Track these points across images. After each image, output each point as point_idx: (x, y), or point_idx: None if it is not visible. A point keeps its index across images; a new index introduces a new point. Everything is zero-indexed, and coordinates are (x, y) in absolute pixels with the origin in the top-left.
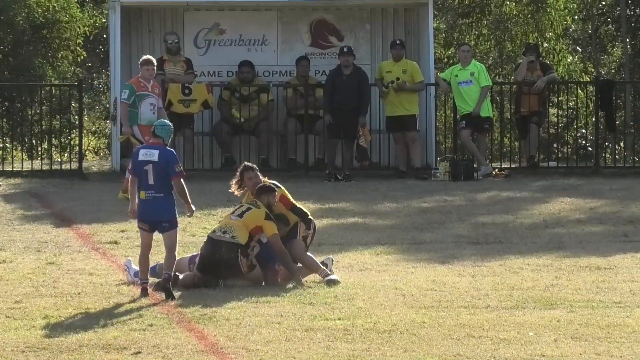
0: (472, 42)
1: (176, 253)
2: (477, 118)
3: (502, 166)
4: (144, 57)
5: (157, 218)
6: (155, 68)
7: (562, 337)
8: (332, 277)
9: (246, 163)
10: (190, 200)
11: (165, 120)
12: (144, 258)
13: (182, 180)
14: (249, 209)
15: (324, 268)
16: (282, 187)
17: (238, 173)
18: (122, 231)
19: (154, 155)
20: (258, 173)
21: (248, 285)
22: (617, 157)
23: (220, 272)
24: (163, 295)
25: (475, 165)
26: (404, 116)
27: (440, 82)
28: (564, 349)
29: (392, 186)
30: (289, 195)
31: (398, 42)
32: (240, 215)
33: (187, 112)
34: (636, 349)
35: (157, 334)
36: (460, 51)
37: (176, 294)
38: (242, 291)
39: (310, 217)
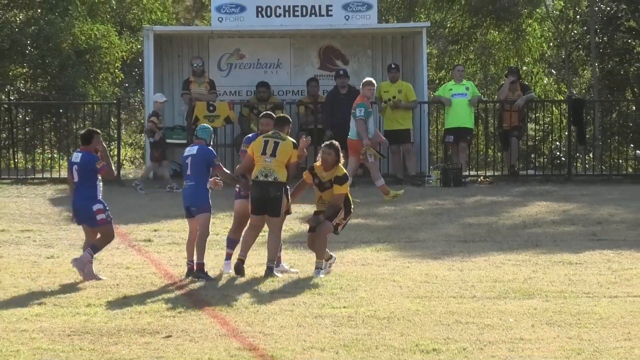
0: (462, 63)
1: (206, 240)
2: (461, 129)
3: (487, 174)
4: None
5: (189, 203)
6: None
7: (538, 323)
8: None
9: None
10: (235, 178)
11: (206, 125)
12: (188, 242)
13: (222, 168)
14: (276, 143)
15: (322, 260)
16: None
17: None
18: (155, 230)
19: (193, 150)
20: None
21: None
22: (587, 166)
23: (268, 210)
24: (195, 284)
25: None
26: (399, 130)
27: (442, 99)
28: (540, 333)
29: (391, 189)
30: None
31: (393, 66)
32: (274, 154)
33: (212, 126)
34: (602, 333)
35: (185, 320)
36: (456, 70)
37: (202, 283)
38: (258, 282)
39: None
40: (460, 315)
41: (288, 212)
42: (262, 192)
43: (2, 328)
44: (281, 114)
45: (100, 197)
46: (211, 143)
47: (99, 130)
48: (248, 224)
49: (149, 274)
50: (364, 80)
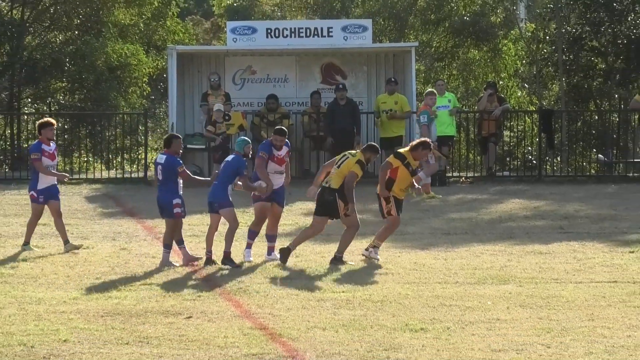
0: (445, 80)
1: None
2: (444, 136)
3: (467, 175)
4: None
5: (212, 200)
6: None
7: (513, 305)
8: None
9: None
10: (253, 187)
11: (244, 137)
12: (208, 234)
13: (244, 180)
14: (346, 158)
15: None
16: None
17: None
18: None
19: (229, 158)
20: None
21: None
22: (555, 168)
23: (327, 212)
24: (212, 271)
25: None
26: (393, 137)
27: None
28: (514, 314)
29: None
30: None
31: (393, 80)
32: (339, 166)
33: (227, 133)
34: (569, 314)
35: (204, 303)
36: (437, 85)
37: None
38: (268, 271)
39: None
40: (444, 299)
41: (346, 214)
42: (321, 195)
43: (43, 310)
44: (374, 144)
45: (180, 193)
46: (249, 152)
47: (179, 135)
48: (311, 223)
49: (172, 262)
50: (426, 91)
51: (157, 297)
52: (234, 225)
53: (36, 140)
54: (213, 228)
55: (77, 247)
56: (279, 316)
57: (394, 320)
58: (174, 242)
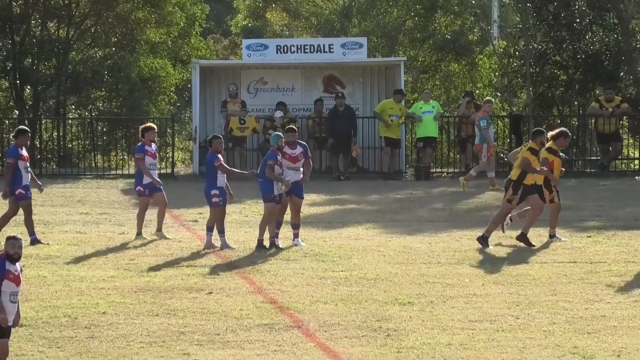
0: (430, 89)
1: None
2: (429, 138)
3: (449, 171)
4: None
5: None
6: None
7: (487, 282)
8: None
9: None
10: (276, 177)
11: (278, 133)
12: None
13: (269, 169)
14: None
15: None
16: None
17: None
18: (200, 213)
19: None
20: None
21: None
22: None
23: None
24: (230, 253)
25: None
26: (395, 139)
27: (414, 115)
28: (488, 290)
29: (376, 184)
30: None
31: (403, 90)
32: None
33: (242, 135)
34: (535, 290)
35: (222, 280)
36: (424, 93)
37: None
38: (277, 254)
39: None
40: (428, 277)
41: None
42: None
43: (85, 287)
44: (540, 128)
45: (218, 185)
46: (282, 144)
47: (220, 135)
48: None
49: (195, 246)
50: (485, 99)
51: (182, 276)
52: (264, 217)
53: (140, 143)
54: (274, 216)
55: (166, 238)
56: (287, 292)
57: (385, 295)
58: (215, 229)
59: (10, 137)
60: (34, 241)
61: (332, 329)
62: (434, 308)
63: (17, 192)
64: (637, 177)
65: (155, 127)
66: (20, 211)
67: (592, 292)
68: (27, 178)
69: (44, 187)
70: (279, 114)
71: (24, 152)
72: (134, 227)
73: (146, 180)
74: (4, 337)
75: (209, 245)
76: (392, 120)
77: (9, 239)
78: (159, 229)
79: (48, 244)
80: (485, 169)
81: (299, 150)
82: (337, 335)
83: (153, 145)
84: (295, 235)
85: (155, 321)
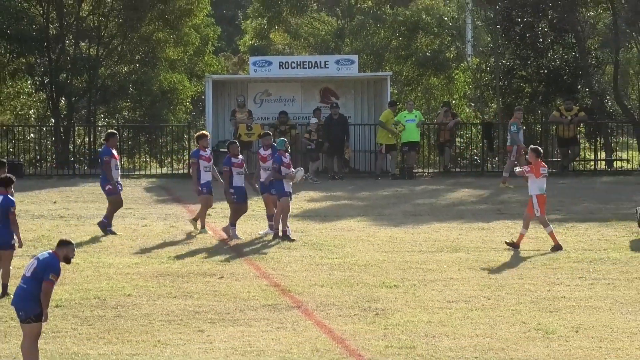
0: (412, 100)
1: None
2: (412, 142)
3: (429, 171)
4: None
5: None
6: None
7: (463, 268)
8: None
9: None
10: (279, 176)
11: (284, 138)
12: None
13: (274, 171)
14: None
15: None
16: None
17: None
18: (213, 208)
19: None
20: None
21: None
22: (494, 166)
23: None
24: (238, 243)
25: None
26: (394, 144)
27: (399, 124)
28: (464, 274)
29: (366, 182)
30: None
31: (412, 102)
32: None
33: (249, 140)
34: (504, 274)
35: (232, 266)
36: (408, 104)
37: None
38: (279, 244)
39: None
40: (411, 263)
41: None
42: None
43: (113, 272)
44: None
45: (236, 185)
46: (288, 147)
47: (235, 141)
48: None
49: (208, 236)
50: (516, 107)
51: (197, 262)
52: (283, 211)
53: (195, 148)
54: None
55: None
56: (288, 276)
57: (374, 279)
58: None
59: (48, 142)
60: (107, 227)
61: (327, 308)
62: (416, 290)
63: (107, 188)
64: (516, 169)
65: (208, 134)
66: (102, 201)
67: (554, 276)
68: (117, 175)
69: (78, 186)
70: (313, 120)
71: (115, 152)
72: (155, 220)
73: (203, 180)
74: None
75: (234, 236)
76: (402, 127)
77: (68, 244)
78: (203, 227)
79: (117, 234)
80: (510, 167)
81: (270, 151)
82: (332, 314)
83: (207, 150)
84: (270, 227)
85: (173, 302)
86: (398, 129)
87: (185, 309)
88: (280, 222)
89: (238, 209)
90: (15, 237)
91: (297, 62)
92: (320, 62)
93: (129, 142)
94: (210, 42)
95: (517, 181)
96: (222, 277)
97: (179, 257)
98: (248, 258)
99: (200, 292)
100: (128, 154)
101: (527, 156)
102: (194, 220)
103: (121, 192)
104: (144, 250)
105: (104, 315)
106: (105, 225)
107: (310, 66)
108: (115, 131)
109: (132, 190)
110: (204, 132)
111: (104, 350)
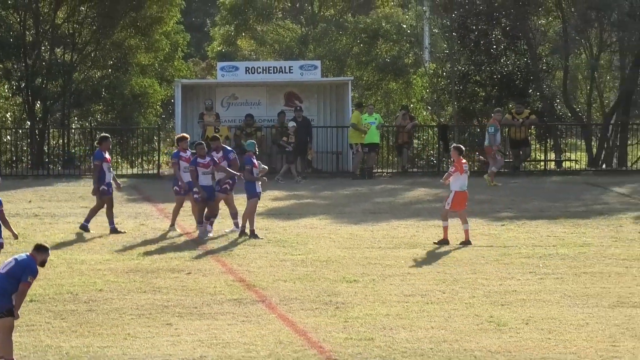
0: (373, 103)
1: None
2: (372, 144)
3: (388, 171)
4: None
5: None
6: None
7: (419, 263)
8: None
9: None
10: (253, 178)
11: (252, 140)
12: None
13: (246, 172)
14: None
15: None
16: None
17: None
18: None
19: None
20: None
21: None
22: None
23: None
24: (206, 240)
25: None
26: (377, 143)
27: (352, 124)
28: (420, 269)
29: (329, 182)
30: None
31: (372, 105)
32: None
33: None
34: (458, 269)
35: (199, 263)
36: (368, 107)
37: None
38: (245, 241)
39: None
40: (371, 259)
41: None
42: None
43: (85, 268)
44: None
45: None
46: (256, 150)
47: (202, 142)
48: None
49: (177, 234)
50: (495, 109)
51: (165, 259)
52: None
53: (175, 150)
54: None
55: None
56: (253, 272)
57: (335, 275)
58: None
59: (24, 144)
60: (113, 230)
61: (290, 302)
62: (375, 285)
63: (100, 189)
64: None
65: (188, 136)
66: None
67: (506, 271)
68: (109, 177)
69: (52, 185)
70: (291, 124)
71: (107, 155)
72: (126, 218)
73: (184, 179)
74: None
75: (203, 233)
76: (368, 126)
77: (46, 250)
78: (172, 224)
79: (124, 232)
80: (495, 165)
81: (219, 154)
82: (294, 308)
83: (188, 151)
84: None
85: (143, 297)
86: (365, 127)
87: (154, 304)
88: (248, 221)
89: (202, 207)
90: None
91: (262, 67)
92: (284, 67)
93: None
94: (179, 48)
95: (499, 179)
96: (189, 273)
97: (148, 253)
98: (214, 254)
99: (168, 287)
100: None
101: (482, 155)
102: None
103: (112, 193)
104: (115, 248)
105: (77, 310)
106: (115, 229)
107: (275, 71)
108: (107, 135)
109: None
110: (184, 134)
111: (76, 343)
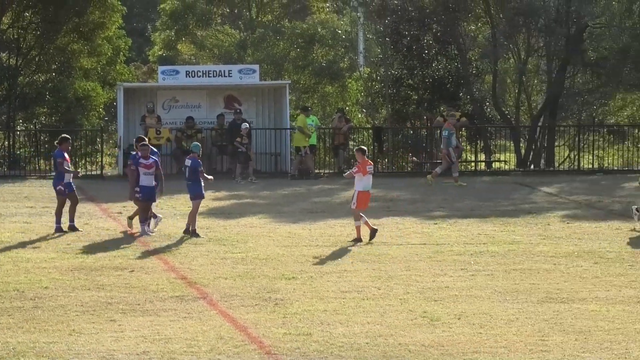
0: (310, 106)
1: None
2: (310, 145)
3: (325, 172)
4: None
5: (189, 193)
6: None
7: (356, 260)
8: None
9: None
10: (207, 178)
11: (197, 143)
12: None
13: (202, 173)
14: None
15: None
16: None
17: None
18: (124, 206)
19: (189, 162)
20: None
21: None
22: (384, 166)
23: None
24: (148, 239)
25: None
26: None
27: (298, 128)
28: (357, 266)
29: (267, 182)
30: None
31: (310, 108)
32: None
33: (158, 144)
34: (393, 266)
35: (142, 261)
36: (307, 110)
37: (153, 238)
38: (187, 240)
39: None
40: (309, 257)
41: None
42: None
43: (31, 266)
44: None
45: (142, 184)
46: (200, 153)
47: (147, 144)
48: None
49: (120, 233)
50: (450, 113)
51: (109, 257)
52: (195, 212)
53: (134, 153)
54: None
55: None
56: (195, 270)
57: (274, 272)
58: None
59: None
60: (72, 227)
61: (231, 299)
62: (312, 282)
63: (57, 188)
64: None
65: (147, 139)
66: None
67: (438, 268)
68: (68, 177)
69: None
70: (244, 125)
71: (66, 155)
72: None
73: (67, 179)
74: None
75: (143, 232)
76: (313, 130)
77: None
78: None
79: (80, 230)
80: (456, 168)
81: (151, 160)
82: (235, 305)
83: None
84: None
85: (87, 294)
86: (309, 131)
87: (98, 301)
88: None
89: (145, 206)
90: None
91: (202, 71)
92: (224, 71)
93: (46, 146)
94: (121, 53)
95: (463, 178)
96: (132, 271)
97: (92, 252)
98: (157, 253)
99: (112, 284)
100: (45, 156)
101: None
102: (130, 219)
103: (67, 194)
104: (60, 246)
105: (23, 306)
106: (74, 227)
107: (215, 75)
108: (68, 136)
109: (48, 190)
110: (141, 136)
111: (23, 339)
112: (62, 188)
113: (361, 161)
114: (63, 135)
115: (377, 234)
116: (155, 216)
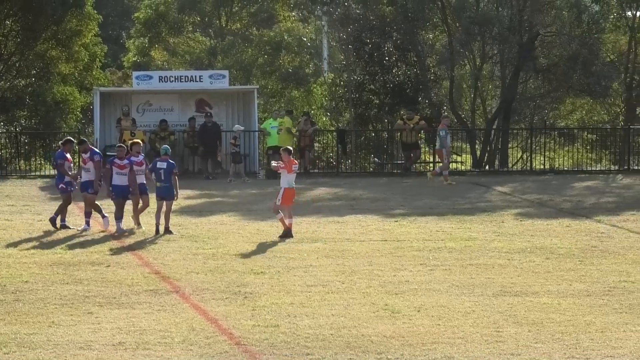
0: (277, 110)
1: (170, 215)
2: (277, 147)
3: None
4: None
5: (164, 196)
6: None
7: (321, 256)
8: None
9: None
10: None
11: (167, 146)
12: (157, 213)
13: (176, 177)
14: None
15: None
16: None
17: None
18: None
19: (164, 164)
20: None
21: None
22: (347, 167)
23: None
24: (123, 236)
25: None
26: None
27: (264, 130)
28: (321, 262)
29: (236, 182)
30: None
31: (284, 110)
32: None
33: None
34: (356, 262)
35: (117, 256)
36: (274, 113)
37: (129, 235)
38: (160, 237)
39: None
40: (276, 252)
41: None
42: None
43: (12, 261)
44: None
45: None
46: (168, 154)
47: (123, 146)
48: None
49: (97, 230)
50: (443, 115)
51: (86, 253)
52: (170, 211)
53: (60, 150)
54: (160, 210)
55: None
56: (168, 265)
57: (244, 267)
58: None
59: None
60: (63, 226)
61: (202, 293)
62: (280, 276)
63: (60, 187)
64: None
65: (125, 146)
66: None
67: (399, 263)
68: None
69: None
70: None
71: (68, 156)
72: (47, 215)
73: (139, 180)
74: None
75: (119, 230)
76: (278, 132)
77: None
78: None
79: (71, 228)
80: (443, 169)
81: (126, 161)
82: (206, 298)
83: (140, 155)
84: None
85: (66, 288)
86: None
87: (76, 294)
88: (164, 218)
89: (119, 204)
90: None
91: (175, 76)
92: (195, 76)
93: (26, 147)
94: (97, 59)
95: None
96: (108, 266)
97: (70, 248)
98: (132, 248)
99: (89, 279)
100: (25, 157)
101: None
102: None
103: (72, 191)
104: (40, 242)
105: (4, 300)
106: (55, 220)
107: (186, 80)
108: (72, 138)
109: (28, 189)
110: (131, 139)
111: (4, 330)
112: (64, 186)
113: (288, 160)
114: (67, 137)
115: (289, 239)
116: (103, 216)
